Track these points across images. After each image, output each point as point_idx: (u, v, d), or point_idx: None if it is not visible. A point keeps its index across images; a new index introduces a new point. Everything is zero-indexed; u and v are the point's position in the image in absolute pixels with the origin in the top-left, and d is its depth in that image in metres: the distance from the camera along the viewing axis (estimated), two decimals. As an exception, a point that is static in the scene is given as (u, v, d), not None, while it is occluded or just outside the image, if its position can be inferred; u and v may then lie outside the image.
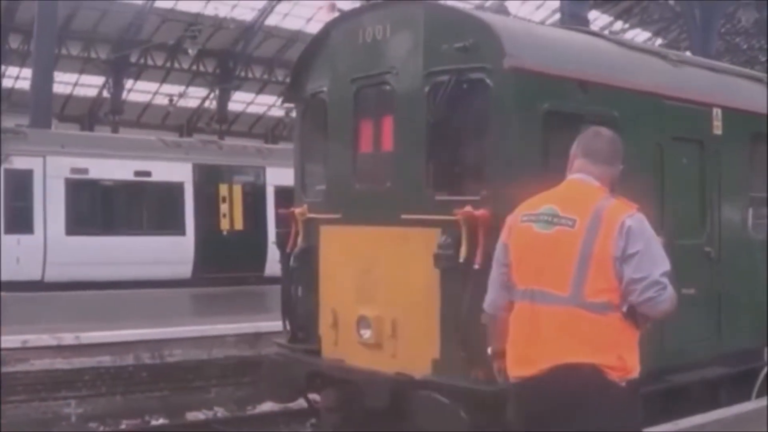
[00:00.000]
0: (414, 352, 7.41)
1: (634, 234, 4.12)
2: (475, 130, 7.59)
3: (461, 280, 6.87)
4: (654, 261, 4.14)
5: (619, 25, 48.06)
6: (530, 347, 4.21)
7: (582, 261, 4.12)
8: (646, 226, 4.22)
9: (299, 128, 9.32)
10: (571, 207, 4.29)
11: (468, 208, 6.89)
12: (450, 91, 7.30)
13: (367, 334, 7.74)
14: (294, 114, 10.06)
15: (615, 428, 4.12)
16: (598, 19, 44.36)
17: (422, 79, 7.58)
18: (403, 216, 7.52)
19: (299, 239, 8.66)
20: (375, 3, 8.50)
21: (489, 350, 4.73)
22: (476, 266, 6.77)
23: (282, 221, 9.31)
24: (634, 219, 4.19)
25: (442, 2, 8.04)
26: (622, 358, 4.12)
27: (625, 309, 4.13)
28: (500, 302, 4.53)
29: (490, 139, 7.25)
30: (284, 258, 8.81)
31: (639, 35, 46.47)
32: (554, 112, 7.14)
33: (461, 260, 6.88)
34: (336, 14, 15.75)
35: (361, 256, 7.93)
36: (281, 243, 8.86)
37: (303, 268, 8.55)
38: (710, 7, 31.08)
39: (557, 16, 35.95)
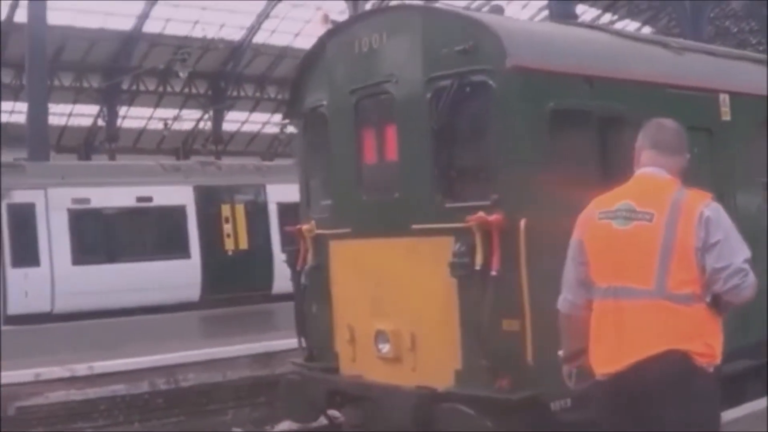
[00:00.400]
0: (435, 364, 7.27)
1: (713, 224, 4.15)
2: (481, 134, 7.45)
3: (479, 288, 6.75)
4: (735, 249, 4.16)
5: (607, 17, 47.97)
6: (618, 343, 4.22)
7: (664, 254, 4.15)
8: (723, 215, 4.24)
9: (301, 144, 9.21)
10: (647, 201, 4.30)
11: (480, 214, 6.77)
12: (453, 96, 7.18)
13: (385, 348, 7.62)
14: (290, 129, 9.96)
15: (707, 414, 4.19)
16: (585, 12, 44.27)
17: (423, 85, 7.46)
18: (414, 226, 7.39)
19: (309, 256, 8.53)
20: (370, 11, 8.39)
21: (560, 353, 4.67)
22: (493, 272, 6.66)
23: (288, 239, 9.17)
24: (711, 209, 4.20)
25: (437, 6, 7.91)
26: (708, 344, 4.15)
27: (708, 299, 4.15)
28: (579, 301, 4.50)
29: (497, 141, 7.11)
30: (295, 276, 8.70)
31: (628, 26, 46.37)
32: (560, 110, 7.02)
33: (477, 267, 6.75)
34: (329, 26, 15.64)
35: (374, 269, 7.80)
36: (291, 261, 8.74)
37: (315, 285, 8.43)
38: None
39: (544, 13, 35.91)
